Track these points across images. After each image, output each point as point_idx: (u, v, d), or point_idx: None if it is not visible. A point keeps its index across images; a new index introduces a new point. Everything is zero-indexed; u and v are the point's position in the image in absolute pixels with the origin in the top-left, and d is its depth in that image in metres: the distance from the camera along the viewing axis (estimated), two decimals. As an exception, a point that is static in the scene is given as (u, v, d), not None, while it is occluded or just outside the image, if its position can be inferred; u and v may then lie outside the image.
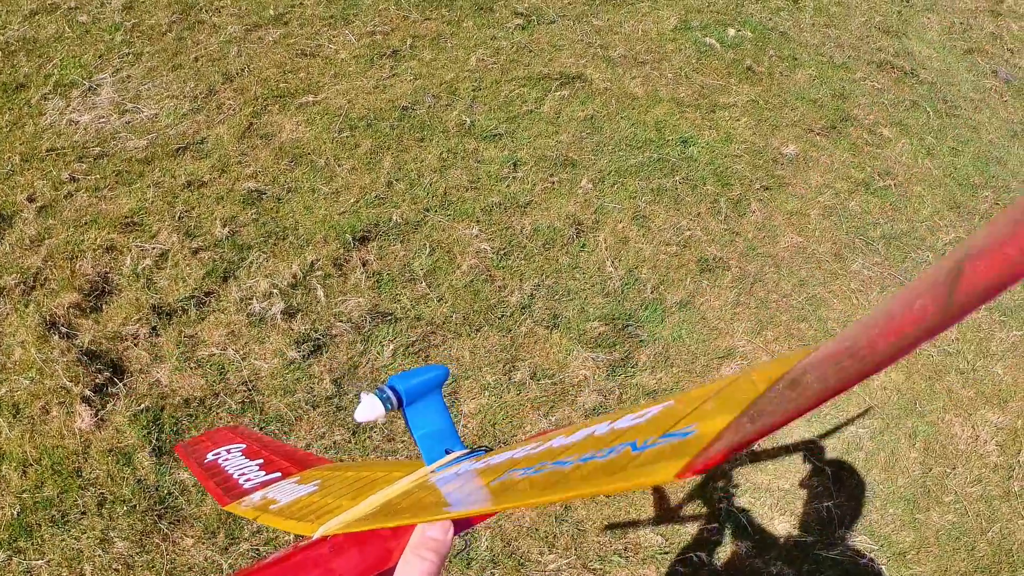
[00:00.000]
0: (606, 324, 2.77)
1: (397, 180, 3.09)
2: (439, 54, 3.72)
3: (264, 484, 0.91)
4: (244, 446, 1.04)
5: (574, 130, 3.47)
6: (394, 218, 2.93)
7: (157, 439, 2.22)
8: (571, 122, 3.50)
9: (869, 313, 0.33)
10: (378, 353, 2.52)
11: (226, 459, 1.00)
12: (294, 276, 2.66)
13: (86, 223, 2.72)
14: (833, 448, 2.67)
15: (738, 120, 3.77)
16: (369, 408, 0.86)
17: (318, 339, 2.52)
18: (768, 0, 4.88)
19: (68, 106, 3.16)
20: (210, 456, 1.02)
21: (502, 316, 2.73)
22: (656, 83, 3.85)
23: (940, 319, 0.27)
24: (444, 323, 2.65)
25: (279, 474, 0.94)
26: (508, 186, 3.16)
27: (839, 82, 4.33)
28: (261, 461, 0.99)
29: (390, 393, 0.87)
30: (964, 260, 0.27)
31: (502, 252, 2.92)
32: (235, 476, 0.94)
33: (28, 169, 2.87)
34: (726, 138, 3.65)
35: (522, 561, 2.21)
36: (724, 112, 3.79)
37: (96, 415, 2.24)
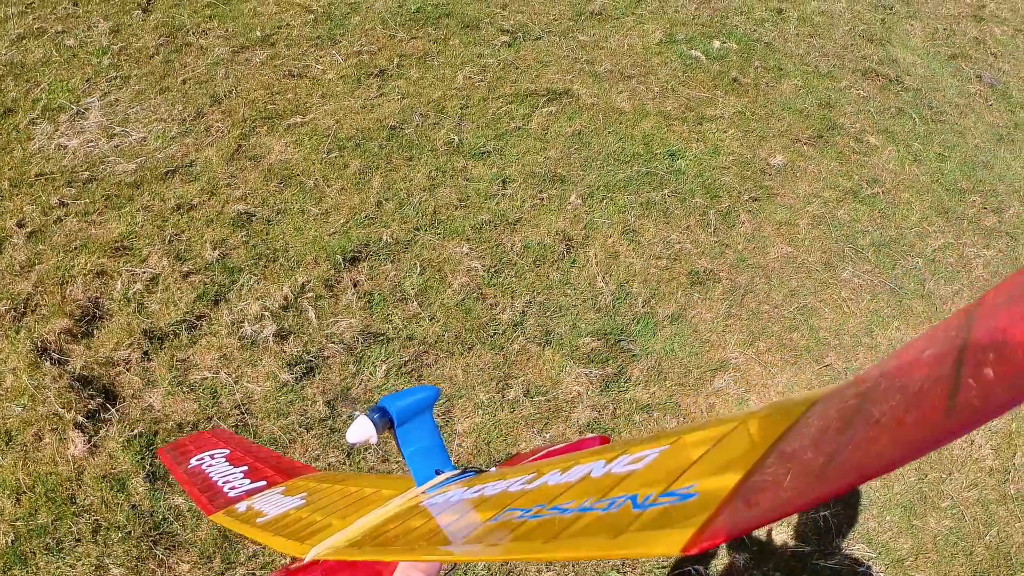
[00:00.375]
0: (598, 339, 2.80)
1: (386, 200, 3.12)
2: (426, 73, 3.77)
3: (249, 493, 0.92)
4: (228, 451, 1.05)
5: (562, 146, 3.51)
6: (384, 238, 2.96)
7: (151, 465, 2.23)
8: (559, 138, 3.55)
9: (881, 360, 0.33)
10: (371, 374, 2.54)
11: (210, 465, 1.01)
12: (285, 298, 2.69)
13: (76, 248, 2.74)
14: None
15: (725, 132, 3.82)
16: (360, 430, 0.88)
17: (310, 361, 2.54)
18: (752, 11, 4.95)
19: (56, 130, 3.18)
20: (193, 461, 1.02)
21: (494, 334, 2.76)
22: (643, 97, 3.90)
23: (946, 418, 0.26)
24: (436, 342, 2.68)
25: (264, 483, 0.95)
26: (497, 203, 3.20)
27: (825, 91, 4.40)
28: (246, 468, 1.00)
29: (381, 414, 0.89)
30: (973, 326, 0.26)
31: (493, 270, 2.95)
32: (219, 483, 0.95)
33: (17, 194, 2.89)
34: (714, 150, 3.70)
35: (519, 579, 2.23)
36: (711, 124, 3.85)
37: (89, 441, 2.25)
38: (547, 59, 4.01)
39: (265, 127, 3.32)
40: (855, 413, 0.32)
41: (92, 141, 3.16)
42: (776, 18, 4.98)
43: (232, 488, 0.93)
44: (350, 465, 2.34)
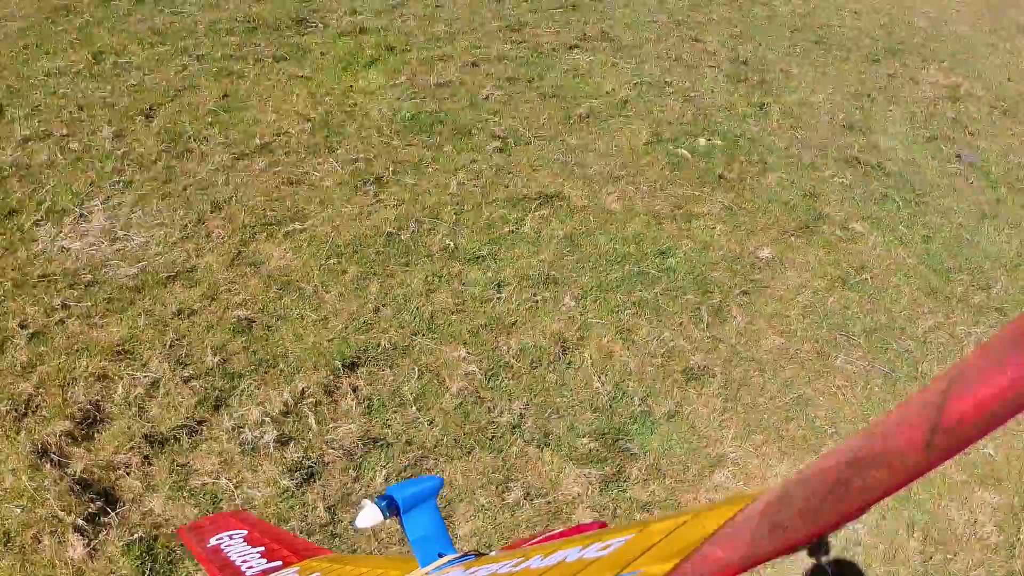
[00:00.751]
0: (596, 439, 2.88)
1: (384, 305, 3.24)
2: (421, 179, 3.94)
3: (265, 572, 0.99)
4: (246, 532, 1.11)
5: (555, 248, 3.66)
6: (382, 343, 3.06)
7: (151, 570, 2.27)
8: (552, 241, 3.70)
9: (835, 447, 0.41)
10: (371, 479, 2.61)
11: (228, 544, 1.07)
12: (285, 404, 2.77)
13: (78, 350, 2.82)
14: (831, 544, 2.74)
15: (714, 228, 3.98)
16: (369, 515, 0.98)
17: (311, 467, 2.60)
18: (735, 107, 5.20)
19: (60, 232, 3.30)
20: (213, 540, 1.08)
21: (493, 437, 2.83)
22: (632, 197, 4.08)
23: (922, 459, 0.31)
24: (436, 446, 2.75)
25: (280, 563, 1.02)
26: (493, 307, 3.32)
27: (809, 182, 4.59)
28: (263, 549, 1.06)
29: (388, 502, 0.99)
30: (951, 387, 0.30)
31: (490, 373, 3.05)
32: (237, 563, 1.01)
33: (20, 295, 2.99)
34: (703, 247, 3.85)
35: None
36: (699, 221, 4.01)
37: (88, 545, 2.29)
38: (538, 163, 4.21)
39: (264, 234, 3.46)
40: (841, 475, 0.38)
41: (95, 244, 3.28)
42: (758, 113, 5.23)
43: (249, 568, 1.00)
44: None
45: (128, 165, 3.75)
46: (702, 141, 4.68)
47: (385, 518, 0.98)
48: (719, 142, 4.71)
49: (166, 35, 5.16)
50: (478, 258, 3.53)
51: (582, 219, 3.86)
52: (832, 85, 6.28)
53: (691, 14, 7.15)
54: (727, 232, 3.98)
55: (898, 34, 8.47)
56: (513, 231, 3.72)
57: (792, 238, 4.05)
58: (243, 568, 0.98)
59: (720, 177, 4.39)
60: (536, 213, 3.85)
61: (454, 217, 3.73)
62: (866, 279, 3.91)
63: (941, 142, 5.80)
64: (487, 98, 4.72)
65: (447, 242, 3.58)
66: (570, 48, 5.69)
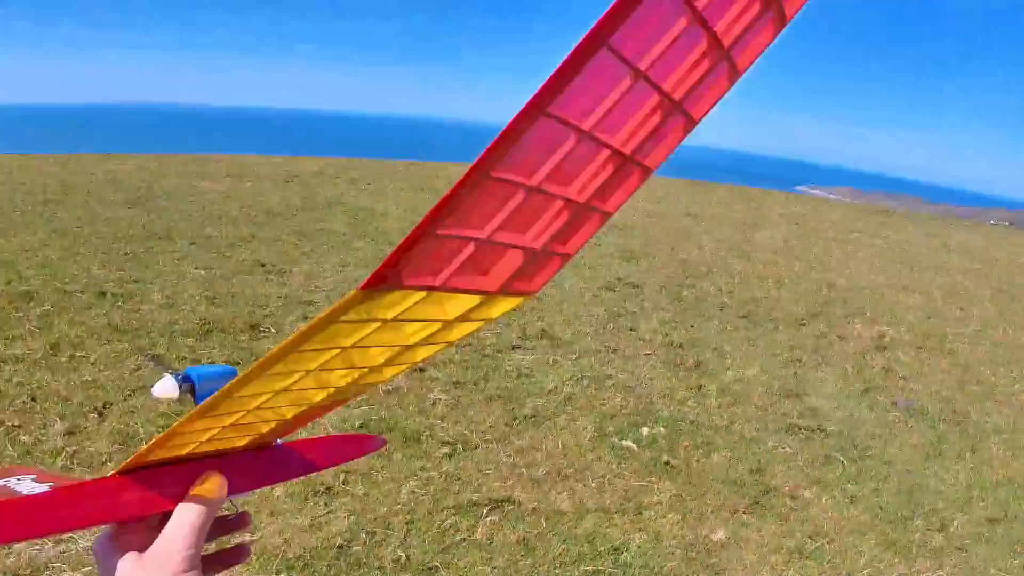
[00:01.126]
0: None
1: (339, 628, 3.20)
2: (372, 488, 4.05)
3: (48, 492, 0.97)
4: (35, 475, 1.08)
5: (508, 554, 3.71)
6: (337, 674, 3.00)
7: None
8: (504, 547, 3.75)
9: None
10: None
11: (16, 484, 1.04)
12: None
13: None
14: None
15: (664, 517, 4.09)
16: (165, 387, 1.07)
17: None
18: (674, 393, 5.55)
19: None
20: None
21: None
22: (582, 495, 4.22)
23: None
24: None
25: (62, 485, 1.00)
26: (447, 622, 3.30)
27: (753, 456, 4.81)
28: (52, 484, 1.03)
29: (184, 379, 1.09)
30: None
31: None
32: (23, 492, 0.99)
33: (-42, 583, 2.88)
34: (655, 537, 3.93)
35: None
36: (650, 512, 4.13)
37: None
38: (487, 467, 4.37)
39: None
40: None
41: (38, 544, 3.21)
42: (697, 394, 5.57)
43: (32, 490, 0.98)
44: None
45: (77, 464, 3.77)
46: (645, 430, 4.94)
47: (180, 391, 1.07)
48: (662, 429, 4.97)
49: (123, 332, 5.44)
50: (430, 568, 3.54)
51: (534, 522, 3.94)
52: (764, 356, 6.76)
53: (625, 304, 7.81)
54: (678, 519, 4.08)
55: (821, 296, 9.28)
56: (465, 539, 3.77)
57: (744, 515, 4.17)
58: (24, 491, 1.00)
59: (666, 464, 4.58)
60: (487, 519, 3.92)
61: (405, 527, 3.78)
62: (822, 545, 3.99)
63: (875, 392, 6.18)
64: (434, 403, 4.98)
65: (399, 553, 3.60)
66: (512, 348, 6.12)
